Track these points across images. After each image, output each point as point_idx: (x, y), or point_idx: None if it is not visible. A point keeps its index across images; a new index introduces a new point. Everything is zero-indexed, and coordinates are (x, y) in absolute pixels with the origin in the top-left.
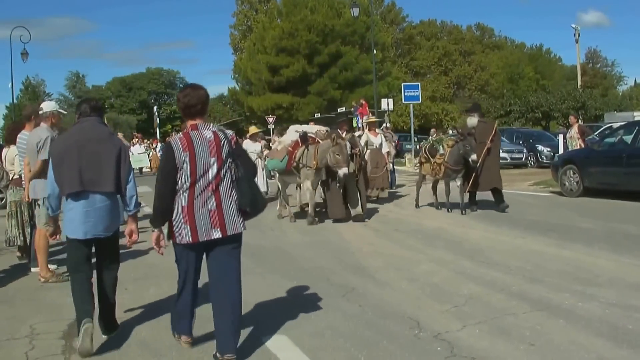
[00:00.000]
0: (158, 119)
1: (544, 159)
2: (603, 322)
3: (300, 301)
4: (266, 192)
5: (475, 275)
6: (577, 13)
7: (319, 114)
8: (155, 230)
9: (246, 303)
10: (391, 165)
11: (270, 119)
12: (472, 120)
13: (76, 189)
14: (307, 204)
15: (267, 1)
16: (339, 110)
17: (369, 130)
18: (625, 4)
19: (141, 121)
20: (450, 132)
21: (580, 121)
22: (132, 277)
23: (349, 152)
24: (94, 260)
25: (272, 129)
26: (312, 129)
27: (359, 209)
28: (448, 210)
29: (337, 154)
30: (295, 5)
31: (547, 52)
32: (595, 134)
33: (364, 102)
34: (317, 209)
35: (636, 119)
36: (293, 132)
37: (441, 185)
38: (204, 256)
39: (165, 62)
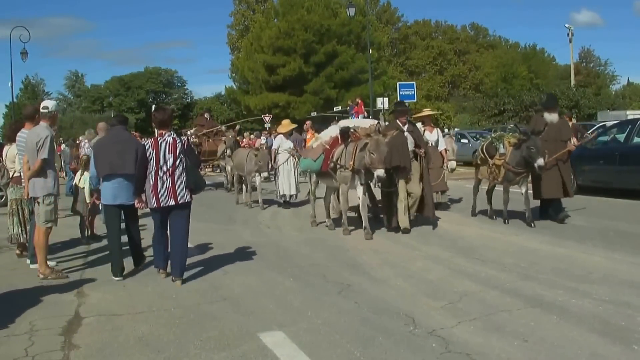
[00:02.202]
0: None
1: None
2: (596, 318)
3: (296, 298)
4: (295, 196)
5: (470, 272)
6: (571, 13)
7: (315, 113)
8: (137, 197)
9: (243, 299)
10: (453, 163)
11: (267, 118)
12: (553, 117)
13: (107, 172)
14: (354, 207)
15: (264, 1)
16: (335, 109)
17: (424, 125)
18: (618, 3)
19: (140, 120)
20: (510, 127)
21: (574, 120)
22: (130, 274)
23: (412, 148)
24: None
25: (269, 128)
26: (363, 122)
27: (405, 219)
28: (505, 221)
29: (372, 152)
30: (292, 5)
31: (541, 51)
32: (589, 132)
33: (359, 101)
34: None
35: (629, 117)
36: (334, 128)
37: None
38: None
39: (163, 61)
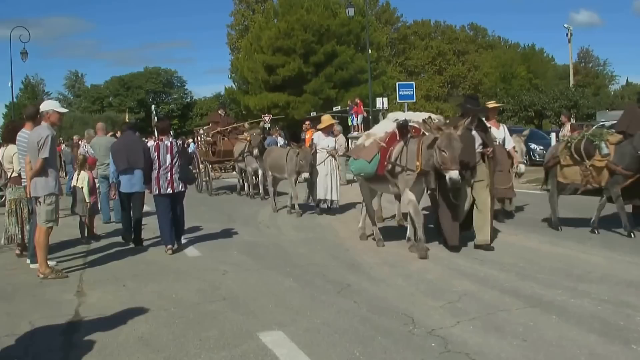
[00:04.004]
0: (156, 118)
1: (537, 157)
2: (595, 318)
3: (295, 297)
4: (336, 202)
5: (469, 272)
6: (570, 13)
7: (314, 113)
8: (147, 186)
9: (242, 299)
10: (523, 167)
11: (267, 118)
12: None
13: (125, 167)
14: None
15: (264, 1)
16: (334, 109)
17: (488, 119)
18: (616, 3)
19: (139, 120)
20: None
21: (572, 120)
22: (130, 273)
23: (479, 149)
24: None
25: (269, 128)
26: (419, 116)
27: (486, 234)
28: (595, 232)
29: (444, 150)
30: (291, 6)
31: (540, 51)
32: None
33: (359, 101)
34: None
35: None
36: (389, 121)
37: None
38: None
39: (163, 61)
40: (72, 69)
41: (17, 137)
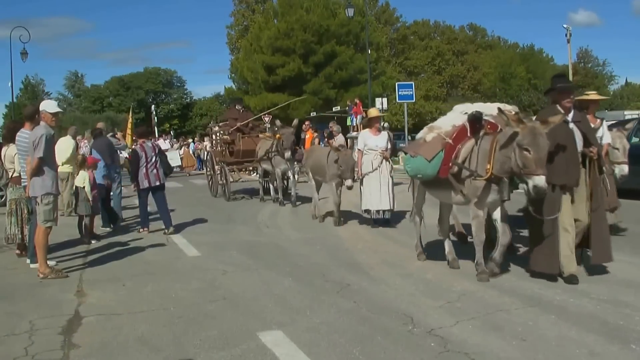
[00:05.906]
0: (156, 118)
1: None
2: (594, 317)
3: (295, 297)
4: (388, 212)
5: (469, 272)
6: (568, 13)
7: (314, 113)
8: (133, 183)
9: (242, 299)
10: (626, 167)
11: (267, 118)
12: None
13: (110, 162)
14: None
15: (264, 1)
16: (334, 109)
17: (588, 112)
18: (615, 3)
19: (139, 120)
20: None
21: None
22: (129, 273)
23: (579, 148)
24: None
25: (267, 128)
26: (491, 108)
27: (572, 261)
28: None
29: (526, 148)
30: (291, 6)
31: (539, 51)
32: None
33: (358, 102)
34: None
35: (627, 117)
36: (456, 113)
37: None
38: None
39: (162, 61)
40: (72, 69)
41: (17, 137)
